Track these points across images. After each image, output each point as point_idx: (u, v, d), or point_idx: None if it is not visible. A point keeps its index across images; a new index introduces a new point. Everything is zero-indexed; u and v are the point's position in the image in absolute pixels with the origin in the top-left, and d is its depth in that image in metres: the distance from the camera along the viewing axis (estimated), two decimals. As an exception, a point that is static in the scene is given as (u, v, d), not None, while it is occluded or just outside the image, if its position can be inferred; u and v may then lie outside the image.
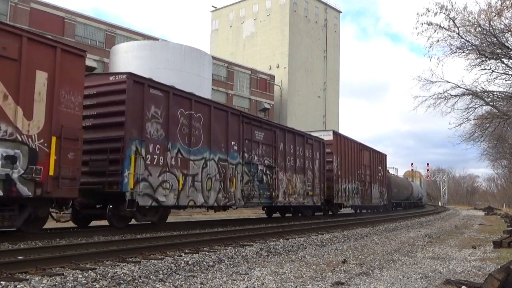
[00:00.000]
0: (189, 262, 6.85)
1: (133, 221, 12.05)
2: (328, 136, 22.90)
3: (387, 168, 40.46)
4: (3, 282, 4.81)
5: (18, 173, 8.37)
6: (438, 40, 18.67)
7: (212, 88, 40.36)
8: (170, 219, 19.63)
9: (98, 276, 5.50)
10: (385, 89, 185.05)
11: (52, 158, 8.92)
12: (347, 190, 24.56)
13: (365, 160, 27.85)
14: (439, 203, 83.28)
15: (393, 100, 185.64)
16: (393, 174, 42.55)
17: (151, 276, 5.92)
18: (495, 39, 17.96)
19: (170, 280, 5.86)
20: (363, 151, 27.62)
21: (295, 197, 18.86)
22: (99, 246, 8.08)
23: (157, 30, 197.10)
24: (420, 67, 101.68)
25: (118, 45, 35.07)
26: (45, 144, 8.88)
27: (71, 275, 5.42)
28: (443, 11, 17.64)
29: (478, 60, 19.33)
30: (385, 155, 33.28)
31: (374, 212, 32.21)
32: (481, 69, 19.71)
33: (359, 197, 26.35)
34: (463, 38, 18.71)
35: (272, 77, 55.51)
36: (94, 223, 12.41)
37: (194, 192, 12.78)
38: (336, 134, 23.63)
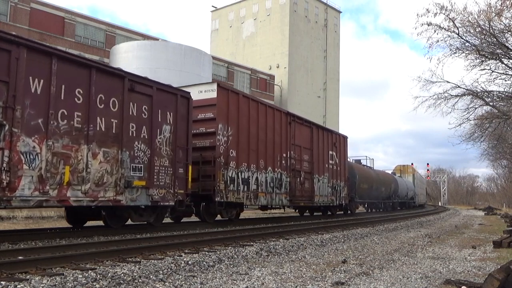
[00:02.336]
0: (189, 262, 6.85)
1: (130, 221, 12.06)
2: (210, 92, 14.04)
3: (362, 161, 34.31)
4: (3, 282, 4.81)
5: None
6: (438, 41, 18.73)
7: (212, 88, 40.28)
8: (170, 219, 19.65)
9: (98, 276, 5.50)
10: (385, 88, 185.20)
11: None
12: (253, 182, 15.23)
13: (301, 139, 18.78)
14: (439, 203, 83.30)
15: (393, 99, 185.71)
16: (366, 166, 32.85)
17: (151, 276, 5.92)
18: (495, 39, 17.97)
19: (170, 280, 5.86)
20: (296, 126, 18.44)
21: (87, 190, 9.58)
22: (99, 246, 8.07)
23: (154, 28, 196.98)
24: (421, 66, 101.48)
25: (118, 45, 35.09)
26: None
27: (71, 275, 5.42)
28: (443, 11, 17.68)
29: (478, 60, 19.36)
30: (345, 137, 24.06)
31: (318, 215, 23.12)
32: (481, 69, 19.75)
33: (283, 193, 17.02)
34: (463, 39, 18.75)
35: (272, 77, 55.53)
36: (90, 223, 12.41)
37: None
38: (225, 89, 14.40)
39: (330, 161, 21.86)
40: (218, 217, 15.19)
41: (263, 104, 16.54)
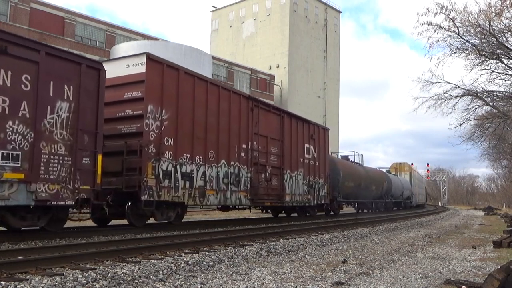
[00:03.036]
0: (189, 262, 6.85)
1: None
2: (138, 66, 11.36)
3: (350, 158, 30.57)
4: (3, 282, 4.80)
5: None
6: (438, 40, 18.77)
7: (212, 88, 40.32)
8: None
9: (98, 276, 5.50)
10: (385, 87, 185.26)
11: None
12: (198, 177, 12.71)
13: (268, 129, 16.25)
14: (439, 203, 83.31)
15: (394, 99, 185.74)
16: (354, 162, 30.01)
17: (151, 276, 5.92)
18: (495, 39, 17.98)
19: (170, 280, 5.86)
20: (261, 113, 15.86)
21: None
22: (99, 246, 8.07)
23: (153, 28, 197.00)
24: (421, 65, 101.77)
25: (118, 45, 35.09)
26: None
27: (71, 275, 5.42)
28: (443, 11, 17.71)
29: (478, 60, 19.39)
30: (325, 129, 21.74)
31: (290, 216, 20.96)
32: (481, 69, 19.78)
33: (242, 190, 14.63)
34: (463, 38, 18.78)
35: (272, 77, 55.54)
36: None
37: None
38: (159, 63, 11.70)
39: (306, 155, 18.95)
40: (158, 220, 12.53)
41: (215, 85, 13.85)
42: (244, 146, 14.80)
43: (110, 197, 10.62)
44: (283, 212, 21.02)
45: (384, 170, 39.59)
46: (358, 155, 32.18)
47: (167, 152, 11.61)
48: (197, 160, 12.73)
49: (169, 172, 11.64)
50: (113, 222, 12.67)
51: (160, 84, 11.58)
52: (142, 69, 11.25)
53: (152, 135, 11.23)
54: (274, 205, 17.51)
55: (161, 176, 11.33)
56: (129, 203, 11.29)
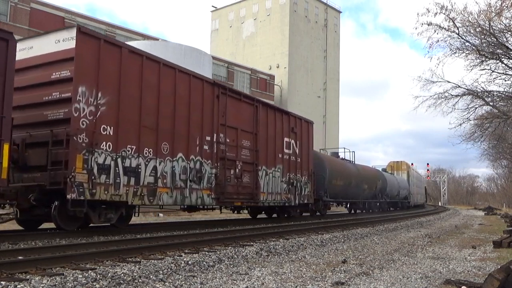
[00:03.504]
0: (189, 262, 6.86)
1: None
2: (68, 42, 9.69)
3: (341, 155, 28.85)
4: (3, 282, 4.80)
5: None
6: (438, 41, 18.76)
7: (212, 88, 40.33)
8: (170, 219, 19.65)
9: (98, 276, 5.50)
10: (385, 87, 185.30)
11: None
12: (147, 172, 10.97)
13: (238, 119, 14.52)
14: (439, 203, 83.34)
15: (394, 99, 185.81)
16: (344, 159, 27.95)
17: (151, 276, 5.92)
18: (495, 39, 17.98)
19: (170, 280, 5.86)
20: (229, 102, 14.13)
21: None
22: (99, 246, 8.07)
23: (152, 27, 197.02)
24: (421, 65, 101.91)
25: (118, 45, 35.07)
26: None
27: (71, 275, 5.42)
28: (443, 11, 17.70)
29: (478, 60, 19.38)
30: (309, 122, 19.68)
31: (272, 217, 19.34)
32: (481, 69, 19.77)
33: (205, 188, 12.81)
34: (463, 38, 18.77)
35: (272, 77, 55.55)
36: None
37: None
38: (95, 38, 10.01)
39: (286, 151, 17.10)
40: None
41: (170, 67, 11.88)
42: (208, 138, 12.93)
43: (33, 196, 9.25)
44: (263, 213, 19.48)
45: (380, 169, 37.78)
46: (349, 152, 29.79)
47: (104, 142, 9.84)
48: (146, 153, 10.89)
49: (107, 167, 9.83)
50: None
51: (95, 62, 9.80)
52: (72, 44, 9.47)
53: (84, 122, 9.45)
54: (246, 205, 15.56)
55: (95, 170, 9.53)
56: (56, 203, 9.46)
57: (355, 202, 28.51)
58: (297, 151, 18.19)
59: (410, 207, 43.69)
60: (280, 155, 16.88)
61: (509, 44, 18.40)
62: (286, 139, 17.34)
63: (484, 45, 18.81)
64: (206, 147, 12.95)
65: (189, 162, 12.16)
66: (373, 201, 30.78)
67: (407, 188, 41.93)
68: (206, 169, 12.87)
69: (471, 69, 19.86)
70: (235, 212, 17.93)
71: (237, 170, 14.34)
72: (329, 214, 25.17)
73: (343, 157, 28.36)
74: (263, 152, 15.82)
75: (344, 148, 30.41)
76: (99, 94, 9.88)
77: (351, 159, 29.18)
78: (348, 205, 30.05)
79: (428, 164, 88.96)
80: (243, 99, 15.11)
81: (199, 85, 12.89)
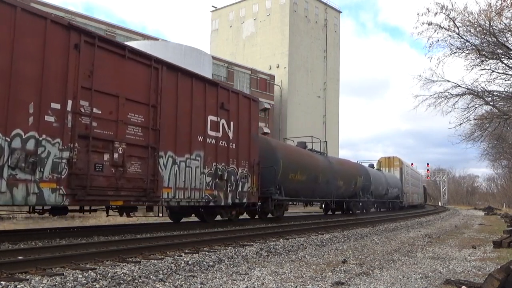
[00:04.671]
0: (189, 262, 6.86)
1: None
2: None
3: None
4: (3, 282, 4.81)
5: None
6: (438, 40, 18.76)
7: (212, 88, 40.36)
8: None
9: (98, 276, 5.50)
10: (385, 86, 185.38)
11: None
12: None
13: (124, 85, 10.57)
14: (439, 203, 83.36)
15: (394, 99, 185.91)
16: (312, 150, 23.26)
17: (151, 276, 5.92)
18: (495, 39, 17.98)
19: (170, 280, 5.86)
20: (100, 56, 10.02)
21: None
22: (99, 246, 8.08)
23: (151, 26, 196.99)
24: (421, 64, 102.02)
25: (118, 45, 35.08)
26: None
27: (71, 275, 5.42)
28: (443, 11, 17.69)
29: (478, 60, 19.38)
30: (251, 99, 15.68)
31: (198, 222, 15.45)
32: (481, 69, 19.77)
33: (47, 180, 8.73)
34: (463, 38, 18.76)
35: (272, 77, 55.56)
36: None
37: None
38: None
39: (212, 133, 13.23)
40: None
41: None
42: (55, 106, 8.96)
43: None
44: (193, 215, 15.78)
45: (367, 164, 34.08)
46: (320, 142, 24.74)
47: None
48: None
49: None
50: (115, 221, 12.66)
51: None
52: None
53: None
54: (135, 204, 10.96)
55: None
56: None
57: (326, 201, 24.11)
58: (230, 134, 14.10)
59: (403, 208, 39.97)
60: (200, 138, 12.74)
61: (509, 44, 18.40)
62: (211, 118, 13.26)
63: (484, 45, 18.81)
64: (50, 118, 8.87)
65: (9, 139, 8.09)
66: (352, 200, 26.47)
67: (398, 186, 38.01)
68: (49, 151, 8.82)
69: (471, 69, 19.87)
70: (124, 215, 12.10)
71: (116, 155, 10.17)
72: (290, 216, 21.43)
73: (312, 148, 23.44)
74: (170, 132, 11.63)
75: (312, 136, 24.69)
76: None
77: (324, 151, 24.20)
78: (324, 205, 26.57)
79: (428, 164, 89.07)
80: (129, 56, 10.56)
81: (38, 24, 8.75)
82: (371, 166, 35.28)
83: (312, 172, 20.45)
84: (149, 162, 10.92)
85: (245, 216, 17.57)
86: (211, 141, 13.30)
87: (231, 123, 14.33)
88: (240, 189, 14.57)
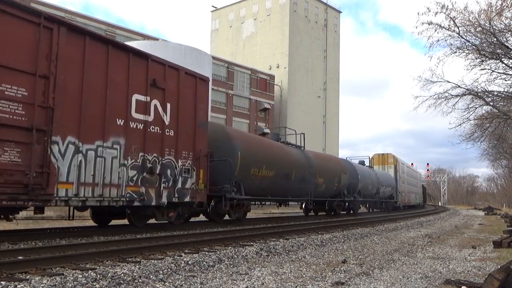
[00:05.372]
0: (189, 262, 6.86)
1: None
2: None
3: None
4: (3, 282, 4.81)
5: None
6: (438, 40, 18.75)
7: (212, 88, 40.33)
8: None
9: (98, 276, 5.50)
10: (385, 86, 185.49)
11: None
12: None
13: None
14: (439, 203, 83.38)
15: (394, 98, 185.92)
16: (287, 142, 20.49)
17: (151, 276, 5.92)
18: (495, 39, 17.98)
19: (170, 280, 5.86)
20: None
21: None
22: (99, 246, 8.08)
23: (150, 25, 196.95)
24: (421, 63, 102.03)
25: (118, 45, 35.08)
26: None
27: (71, 275, 5.42)
28: (444, 10, 17.69)
29: (478, 60, 19.38)
30: (199, 78, 12.97)
31: None
32: (481, 69, 19.77)
33: None
34: (463, 38, 18.76)
35: (272, 77, 55.56)
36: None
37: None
38: None
39: (138, 116, 10.70)
40: None
41: None
42: None
43: None
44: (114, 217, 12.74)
45: (348, 158, 31.35)
46: (296, 134, 21.83)
47: None
48: None
49: None
50: (114, 221, 12.67)
51: None
52: None
53: None
54: (6, 205, 8.11)
55: None
56: None
57: (303, 201, 21.91)
58: (166, 119, 11.59)
59: (398, 209, 37.47)
60: (120, 122, 10.25)
61: (509, 44, 18.41)
62: (138, 97, 10.75)
63: (484, 44, 18.81)
64: None
65: None
66: (336, 200, 23.79)
67: (392, 185, 35.52)
68: None
69: (471, 69, 19.88)
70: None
71: None
72: (257, 219, 19.04)
73: (285, 140, 20.76)
74: (72, 112, 9.23)
75: (285, 127, 22.52)
76: None
77: (301, 144, 21.32)
78: (304, 205, 23.99)
79: (428, 164, 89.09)
80: (4, 10, 8.10)
81: None
82: (362, 163, 32.68)
83: (283, 167, 17.68)
84: (34, 149, 8.38)
85: (247, 216, 17.19)
86: (137, 126, 10.70)
87: (168, 105, 11.70)
88: (179, 185, 11.92)
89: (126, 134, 10.38)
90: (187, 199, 12.22)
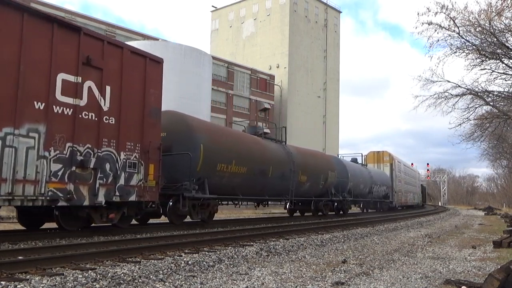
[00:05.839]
0: (189, 262, 6.86)
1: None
2: None
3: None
4: (3, 282, 4.81)
5: None
6: (438, 40, 18.73)
7: (212, 88, 40.37)
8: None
9: (98, 276, 5.50)
10: (385, 86, 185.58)
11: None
12: None
13: None
14: (439, 203, 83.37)
15: (394, 98, 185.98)
16: (262, 134, 18.76)
17: (151, 276, 5.92)
18: (495, 39, 17.97)
19: (170, 280, 5.86)
20: None
21: None
22: (99, 246, 8.08)
23: (149, 25, 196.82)
24: (421, 63, 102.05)
25: (118, 45, 35.08)
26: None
27: (71, 275, 5.42)
28: (444, 10, 17.67)
29: (478, 60, 19.37)
30: (152, 60, 11.34)
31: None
32: (481, 69, 19.76)
33: None
34: (463, 38, 18.75)
35: (272, 77, 55.56)
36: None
37: None
38: None
39: (66, 99, 9.08)
40: None
41: None
42: None
43: None
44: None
45: (340, 155, 30.14)
46: (276, 128, 20.48)
47: None
48: None
49: None
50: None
51: None
52: None
53: None
54: None
55: None
56: None
57: (281, 200, 19.95)
58: (104, 104, 9.89)
59: (394, 209, 35.69)
60: (39, 106, 8.59)
61: (509, 44, 18.40)
62: (65, 77, 9.14)
63: (484, 45, 18.81)
64: None
65: None
66: (323, 199, 21.93)
67: (387, 184, 33.68)
68: None
69: (471, 69, 19.87)
70: None
71: None
72: (228, 220, 17.29)
73: (262, 133, 18.76)
74: None
75: (264, 124, 20.47)
76: None
77: (281, 138, 19.69)
78: (288, 205, 21.66)
79: (428, 164, 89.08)
80: None
81: None
82: (354, 160, 30.82)
83: (258, 163, 15.96)
84: None
85: (247, 215, 17.27)
86: (63, 111, 9.02)
87: (107, 88, 10.00)
88: (122, 182, 10.14)
89: (48, 121, 8.67)
90: (133, 198, 10.34)
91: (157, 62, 11.48)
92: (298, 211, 23.03)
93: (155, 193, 10.98)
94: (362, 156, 33.44)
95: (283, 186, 17.92)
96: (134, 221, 12.37)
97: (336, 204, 23.61)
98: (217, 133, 14.88)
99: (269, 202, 19.60)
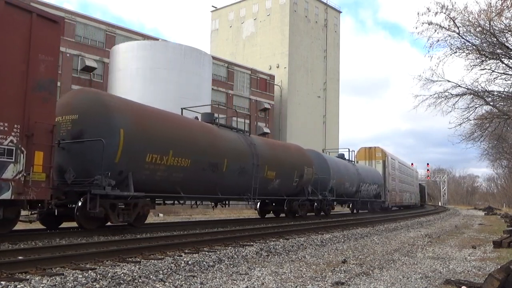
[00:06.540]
0: (189, 262, 6.86)
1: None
2: None
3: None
4: (3, 282, 4.81)
5: None
6: (438, 40, 18.72)
7: (212, 88, 40.42)
8: (171, 219, 19.65)
9: (98, 276, 5.50)
10: (385, 86, 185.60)
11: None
12: None
13: None
14: (439, 203, 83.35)
15: (394, 98, 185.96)
16: (221, 124, 15.95)
17: (151, 276, 5.92)
18: (495, 39, 17.97)
19: (170, 280, 5.86)
20: None
21: None
22: (99, 246, 8.08)
23: (149, 24, 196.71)
24: (422, 63, 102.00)
25: (118, 45, 35.12)
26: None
27: (71, 275, 5.42)
28: (444, 10, 17.67)
29: (478, 60, 19.36)
30: (41, 16, 8.56)
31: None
32: (481, 69, 19.75)
33: None
34: (463, 38, 18.75)
35: (272, 77, 55.54)
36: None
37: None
38: None
39: None
40: None
41: None
42: None
43: None
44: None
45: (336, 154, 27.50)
46: (237, 121, 18.10)
47: None
48: None
49: None
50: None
51: None
52: None
53: None
54: None
55: None
56: None
57: (240, 199, 16.51)
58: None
59: (387, 209, 32.94)
60: None
61: (509, 44, 18.39)
62: None
63: (484, 45, 18.80)
64: None
65: None
66: (300, 198, 19.43)
67: (379, 182, 30.74)
68: None
69: (471, 69, 19.84)
70: None
71: None
72: (162, 224, 14.77)
73: (216, 120, 15.91)
74: None
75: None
76: None
77: (244, 129, 17.34)
78: (259, 206, 19.78)
79: (428, 164, 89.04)
80: None
81: None
82: (341, 156, 27.75)
83: (208, 155, 13.39)
84: None
85: (247, 215, 17.12)
86: None
87: None
88: None
89: None
90: (6, 195, 7.79)
91: (52, 21, 8.90)
92: (272, 212, 20.48)
93: (45, 190, 8.44)
94: (349, 151, 29.00)
95: (243, 183, 15.22)
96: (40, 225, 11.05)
97: (315, 204, 20.98)
98: (147, 116, 11.83)
99: (230, 202, 17.06)
